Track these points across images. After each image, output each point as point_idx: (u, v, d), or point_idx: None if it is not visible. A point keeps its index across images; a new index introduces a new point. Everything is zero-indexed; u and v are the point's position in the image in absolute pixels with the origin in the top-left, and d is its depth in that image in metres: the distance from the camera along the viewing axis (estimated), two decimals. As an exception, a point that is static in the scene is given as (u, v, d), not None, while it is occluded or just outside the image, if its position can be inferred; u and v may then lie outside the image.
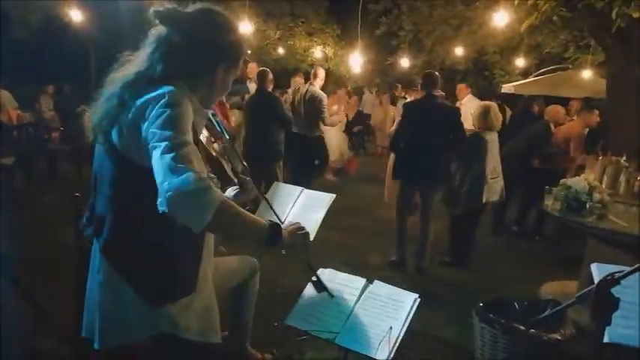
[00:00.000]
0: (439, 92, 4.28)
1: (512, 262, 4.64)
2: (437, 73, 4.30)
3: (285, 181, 4.46)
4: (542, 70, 9.92)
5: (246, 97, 6.30)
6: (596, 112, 5.29)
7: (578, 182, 3.46)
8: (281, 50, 11.29)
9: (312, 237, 2.82)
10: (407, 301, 2.04)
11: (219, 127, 1.74)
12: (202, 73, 1.42)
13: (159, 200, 1.18)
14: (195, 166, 1.19)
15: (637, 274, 1.36)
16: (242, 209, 1.33)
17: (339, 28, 11.61)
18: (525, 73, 10.23)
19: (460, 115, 4.24)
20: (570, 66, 8.64)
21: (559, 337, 2.40)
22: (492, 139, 4.29)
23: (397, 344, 1.89)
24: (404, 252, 4.28)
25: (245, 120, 5.55)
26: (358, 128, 10.10)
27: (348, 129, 8.89)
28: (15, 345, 2.47)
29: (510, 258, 4.77)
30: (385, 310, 2.03)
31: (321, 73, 6.06)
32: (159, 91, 1.29)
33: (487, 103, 4.51)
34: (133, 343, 1.39)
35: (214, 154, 1.70)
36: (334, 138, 7.54)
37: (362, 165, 8.84)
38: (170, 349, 1.42)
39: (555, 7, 4.85)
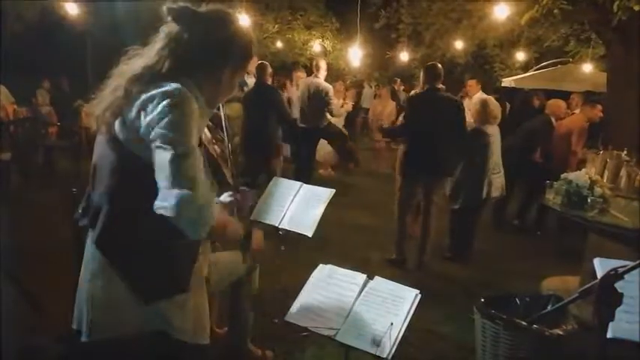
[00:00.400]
0: (441, 85, 4.24)
1: (514, 257, 4.63)
2: (439, 65, 4.20)
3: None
4: (542, 64, 9.88)
5: (245, 89, 6.27)
6: (599, 106, 5.25)
7: (579, 176, 3.45)
8: (279, 44, 11.22)
9: (311, 232, 2.83)
10: (408, 297, 2.02)
11: (224, 125, 1.75)
12: (209, 71, 1.44)
13: (159, 204, 1.22)
14: (199, 178, 1.26)
15: (639, 268, 1.35)
16: (229, 221, 1.49)
17: (338, 21, 11.54)
18: (525, 67, 10.19)
19: (463, 108, 4.19)
20: (571, 59, 8.61)
21: (561, 333, 2.39)
22: (494, 132, 4.27)
23: (398, 340, 1.88)
24: (404, 250, 4.22)
25: (244, 113, 5.49)
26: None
27: (348, 123, 8.85)
28: (12, 342, 2.46)
29: (511, 253, 4.75)
30: (386, 306, 2.02)
31: (324, 64, 6.03)
32: (166, 87, 1.30)
33: (484, 96, 4.51)
34: (121, 338, 1.38)
35: (215, 155, 1.69)
36: None
37: (362, 159, 8.81)
38: (160, 346, 1.40)
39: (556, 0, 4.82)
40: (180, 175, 1.22)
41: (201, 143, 1.39)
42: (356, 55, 7.91)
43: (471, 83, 6.92)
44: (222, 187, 1.96)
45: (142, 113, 1.29)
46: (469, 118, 4.37)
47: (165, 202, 1.21)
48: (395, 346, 1.87)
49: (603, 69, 7.08)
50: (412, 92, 6.96)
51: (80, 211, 1.50)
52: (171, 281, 1.40)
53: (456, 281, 3.98)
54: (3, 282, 2.71)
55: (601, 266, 1.56)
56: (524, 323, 2.37)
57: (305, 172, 6.07)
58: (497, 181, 4.34)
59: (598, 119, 5.25)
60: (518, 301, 2.73)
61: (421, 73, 4.23)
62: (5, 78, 7.00)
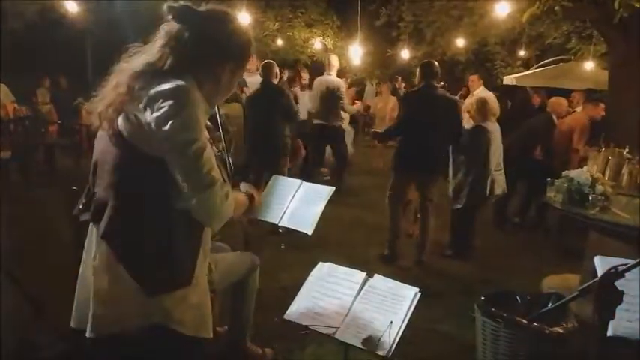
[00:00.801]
0: (438, 83, 4.23)
1: (514, 254, 4.62)
2: (437, 63, 4.21)
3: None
4: (544, 62, 9.85)
5: (245, 89, 6.29)
6: (602, 104, 5.24)
7: (580, 174, 3.43)
8: (280, 42, 11.19)
9: (311, 230, 2.83)
10: (407, 295, 2.02)
11: (220, 126, 1.76)
12: (209, 70, 1.46)
13: (182, 204, 1.35)
14: (216, 171, 1.38)
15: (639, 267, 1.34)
16: (238, 200, 1.62)
17: (338, 19, 11.49)
18: (527, 65, 10.16)
19: (460, 107, 4.19)
20: (572, 57, 8.58)
21: (561, 331, 2.38)
22: (494, 129, 4.26)
23: (398, 339, 1.88)
24: (395, 247, 4.21)
25: (249, 114, 5.43)
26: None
27: (352, 122, 8.82)
28: (13, 341, 2.46)
29: (512, 251, 4.74)
30: (385, 304, 2.01)
31: (335, 61, 6.09)
32: (171, 85, 1.33)
33: (483, 94, 4.53)
34: (124, 332, 1.38)
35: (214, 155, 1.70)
36: None
37: (362, 157, 8.81)
38: (161, 340, 1.41)
39: (557, -4, 4.79)
40: (199, 173, 1.33)
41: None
42: (357, 52, 7.89)
43: (473, 78, 6.90)
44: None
45: (148, 109, 1.32)
46: (467, 116, 4.37)
47: (187, 201, 1.34)
48: (395, 345, 1.87)
49: (605, 67, 7.05)
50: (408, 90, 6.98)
51: (81, 206, 1.51)
52: (174, 274, 1.41)
53: (456, 279, 3.98)
54: (3, 281, 2.72)
55: (601, 264, 1.56)
56: (524, 321, 2.37)
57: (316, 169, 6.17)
58: (499, 178, 4.34)
59: (600, 117, 5.23)
60: (518, 299, 2.72)
61: (417, 71, 4.23)
62: (5, 76, 7.00)
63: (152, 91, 1.33)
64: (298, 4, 11.22)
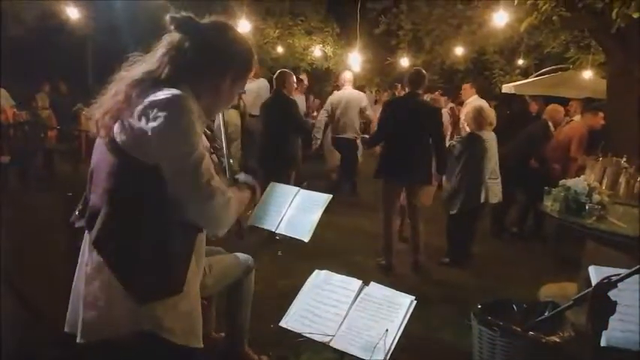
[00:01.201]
0: (421, 91, 4.27)
1: (512, 263, 4.62)
2: (424, 71, 4.27)
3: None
4: (542, 70, 9.88)
5: (242, 96, 6.35)
6: (601, 114, 5.26)
7: (577, 183, 3.44)
8: (280, 49, 11.24)
9: (308, 238, 2.83)
10: (403, 303, 2.01)
11: (223, 134, 1.77)
12: (209, 81, 1.47)
13: (187, 218, 1.37)
14: (216, 180, 1.37)
15: (634, 276, 1.34)
16: (240, 200, 1.60)
17: (338, 27, 11.55)
18: (525, 73, 10.20)
19: (441, 115, 4.25)
20: (571, 66, 8.62)
21: (557, 340, 2.38)
22: (490, 138, 4.29)
23: (393, 347, 1.87)
24: (391, 256, 4.20)
25: (261, 123, 5.41)
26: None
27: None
28: (10, 347, 2.45)
29: (509, 259, 4.74)
30: (381, 312, 2.01)
31: (350, 75, 6.30)
32: (166, 94, 1.33)
33: (478, 103, 4.58)
34: (114, 339, 1.38)
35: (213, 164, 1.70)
36: None
37: (364, 164, 8.81)
38: (151, 348, 1.40)
39: (555, 7, 4.82)
40: (199, 184, 1.33)
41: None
42: (356, 60, 7.93)
43: (465, 87, 6.92)
44: None
45: (144, 118, 1.32)
46: (464, 124, 4.40)
47: (190, 215, 1.36)
48: (390, 353, 1.86)
49: (603, 76, 7.08)
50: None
51: (77, 213, 1.51)
52: (165, 282, 1.41)
53: (453, 287, 3.97)
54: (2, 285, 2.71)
55: (595, 274, 1.56)
56: (520, 330, 2.36)
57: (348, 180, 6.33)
58: (495, 187, 4.35)
59: (600, 126, 5.25)
60: (515, 308, 2.72)
61: (405, 79, 4.30)
62: (5, 81, 7.02)
63: (147, 100, 1.33)
64: (298, 11, 11.29)
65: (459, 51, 8.39)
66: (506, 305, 2.73)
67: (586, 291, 1.32)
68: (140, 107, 1.33)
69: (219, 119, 1.90)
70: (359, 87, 12.57)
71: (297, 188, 3.17)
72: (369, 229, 5.29)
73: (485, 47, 8.65)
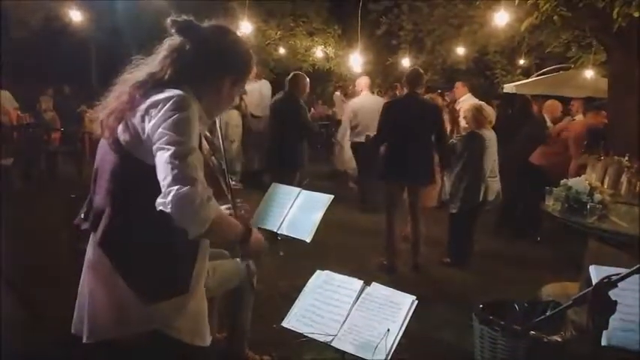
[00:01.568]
0: (421, 90, 4.28)
1: (513, 263, 4.61)
2: (421, 70, 4.29)
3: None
4: (544, 70, 9.87)
5: (244, 97, 6.39)
6: (603, 113, 5.26)
7: (578, 183, 3.44)
8: (282, 50, 11.26)
9: (309, 238, 2.84)
10: (404, 303, 2.02)
11: (221, 136, 1.77)
12: (210, 82, 1.50)
13: (160, 200, 1.27)
14: (199, 177, 1.31)
15: (636, 276, 1.34)
16: (228, 217, 1.55)
17: (340, 28, 11.56)
18: (527, 73, 10.19)
19: (442, 112, 4.25)
20: (572, 65, 8.60)
21: (559, 339, 2.38)
22: (490, 137, 4.31)
23: (394, 347, 1.88)
24: (394, 257, 4.20)
25: (269, 124, 5.50)
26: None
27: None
28: (13, 347, 2.46)
29: (511, 259, 4.74)
30: (382, 312, 2.02)
31: (367, 81, 6.43)
32: (168, 94, 1.36)
33: (476, 103, 4.60)
34: (120, 339, 1.40)
35: (211, 165, 1.71)
36: None
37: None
38: (157, 347, 1.42)
39: (555, 6, 4.81)
40: (179, 173, 1.28)
41: (201, 150, 1.42)
42: (357, 61, 7.93)
43: (457, 85, 6.91)
44: (218, 199, 1.98)
45: (146, 118, 1.35)
46: (463, 123, 4.41)
47: (164, 198, 1.27)
48: (391, 353, 1.87)
49: (605, 75, 7.06)
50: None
51: (82, 216, 1.53)
52: (171, 282, 1.43)
53: (454, 287, 3.98)
54: (3, 287, 2.73)
55: (596, 273, 1.56)
56: (520, 328, 2.37)
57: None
58: (493, 185, 4.37)
59: (602, 125, 5.25)
60: (517, 307, 2.72)
61: (404, 79, 4.31)
62: (9, 83, 7.06)
63: (149, 101, 1.36)
64: (300, 13, 11.31)
65: (460, 51, 8.38)
66: (508, 305, 2.74)
67: (586, 290, 1.32)
68: (143, 107, 1.36)
69: (220, 119, 1.91)
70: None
71: (299, 189, 3.18)
72: (371, 229, 5.30)
73: (487, 47, 8.64)
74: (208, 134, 1.71)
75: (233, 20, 7.54)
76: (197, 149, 1.36)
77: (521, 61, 9.69)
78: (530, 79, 9.53)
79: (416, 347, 2.87)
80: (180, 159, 1.29)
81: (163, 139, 1.30)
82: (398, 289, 2.09)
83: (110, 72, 1.56)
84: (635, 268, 1.29)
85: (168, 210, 1.25)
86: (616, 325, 1.39)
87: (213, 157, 1.71)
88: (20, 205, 5.31)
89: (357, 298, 2.09)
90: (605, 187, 3.83)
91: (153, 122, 1.33)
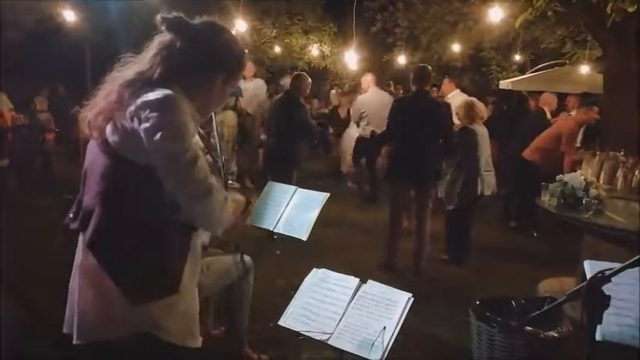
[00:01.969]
0: (430, 87, 4.26)
1: (511, 258, 4.63)
2: (429, 67, 4.21)
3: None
4: (539, 66, 9.88)
5: (240, 99, 6.40)
6: (595, 108, 5.27)
7: (574, 178, 3.45)
8: (278, 48, 11.25)
9: (306, 236, 2.83)
10: (400, 300, 2.02)
11: (216, 134, 1.76)
12: (200, 80, 1.47)
13: (184, 217, 1.37)
14: (212, 180, 1.38)
15: (629, 270, 1.35)
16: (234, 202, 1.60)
17: (335, 25, 11.56)
18: (522, 69, 10.20)
19: (451, 111, 4.21)
20: (567, 61, 8.62)
21: (556, 335, 2.39)
22: (482, 132, 4.33)
23: (391, 344, 1.88)
24: (395, 256, 4.17)
25: (269, 121, 5.56)
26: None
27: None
28: (9, 349, 2.46)
29: (509, 254, 4.75)
30: (379, 309, 2.02)
31: (372, 77, 6.46)
32: (157, 94, 1.33)
33: (468, 98, 4.63)
34: (110, 340, 1.39)
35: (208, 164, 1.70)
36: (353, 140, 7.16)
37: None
38: (148, 349, 1.41)
39: (549, 2, 4.82)
40: (195, 182, 1.33)
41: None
42: (352, 58, 7.93)
43: (445, 82, 6.89)
44: None
45: (136, 119, 1.32)
46: (455, 119, 4.41)
47: (187, 214, 1.36)
48: (388, 350, 1.87)
49: (600, 70, 7.08)
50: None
51: (71, 215, 1.51)
52: (160, 282, 1.41)
53: (451, 283, 3.98)
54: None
55: (590, 268, 1.56)
56: (514, 324, 2.38)
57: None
58: (489, 179, 4.38)
59: (594, 121, 5.26)
60: (513, 304, 2.73)
61: (410, 76, 4.25)
62: (3, 85, 7.02)
63: (139, 101, 1.33)
64: (295, 11, 11.29)
65: (456, 48, 8.39)
66: (505, 301, 2.74)
67: (579, 285, 1.32)
68: (132, 108, 1.33)
69: (216, 119, 1.91)
70: (356, 85, 12.61)
71: (295, 187, 3.18)
72: (369, 227, 5.31)
73: (482, 44, 8.66)
74: (202, 132, 1.69)
75: (228, 19, 7.52)
76: (198, 150, 1.37)
77: (517, 58, 9.70)
78: (525, 76, 9.54)
79: (413, 344, 2.87)
80: (189, 169, 1.32)
81: (166, 151, 1.30)
82: (395, 287, 2.09)
83: (105, 73, 1.52)
84: (628, 262, 1.29)
85: (196, 226, 1.42)
86: (610, 319, 1.39)
87: (208, 155, 1.70)
88: (15, 206, 5.28)
89: (354, 296, 2.09)
90: (601, 182, 3.85)
91: (146, 126, 1.30)
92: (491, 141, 4.62)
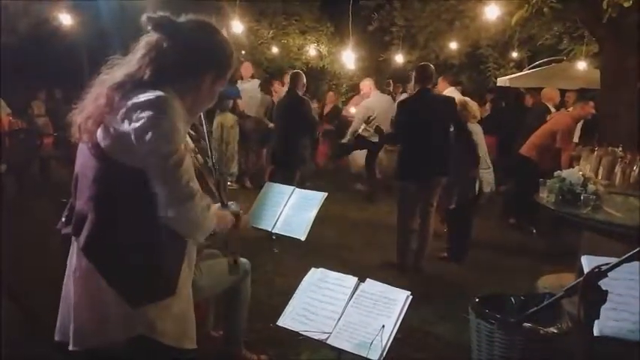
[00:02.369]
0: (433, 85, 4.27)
1: (510, 255, 4.63)
2: (431, 66, 4.18)
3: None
4: (536, 63, 9.88)
5: (239, 101, 6.41)
6: (591, 103, 5.27)
7: (572, 174, 3.45)
8: (275, 49, 11.24)
9: (304, 236, 2.84)
10: (399, 298, 2.02)
11: (206, 135, 1.75)
12: (189, 80, 1.45)
13: (163, 215, 1.33)
14: (195, 182, 1.36)
15: (626, 265, 1.34)
16: (219, 213, 1.60)
17: (332, 25, 11.54)
18: (520, 66, 10.19)
19: (456, 105, 4.20)
20: (565, 57, 8.61)
21: (555, 331, 2.38)
22: (476, 130, 4.34)
23: (389, 343, 1.88)
24: (406, 257, 4.11)
25: (274, 122, 5.65)
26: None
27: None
28: (7, 351, 2.45)
29: (508, 251, 4.75)
30: (377, 308, 2.02)
31: (371, 81, 6.66)
32: (149, 96, 1.32)
33: (461, 98, 4.67)
34: (108, 345, 1.38)
35: (197, 165, 1.69)
36: None
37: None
38: (145, 352, 1.40)
39: (545, -2, 4.82)
40: (178, 184, 1.32)
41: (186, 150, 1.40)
42: (349, 58, 7.93)
43: (439, 80, 6.90)
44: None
45: (127, 121, 1.31)
46: None
47: (166, 213, 1.33)
48: (387, 348, 1.87)
49: (597, 66, 7.07)
50: (404, 96, 7.04)
51: (63, 219, 1.50)
52: (157, 285, 1.41)
53: (451, 281, 3.98)
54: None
55: (588, 263, 1.57)
56: (513, 321, 2.37)
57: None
58: (486, 176, 4.38)
59: (590, 116, 5.26)
60: (513, 300, 2.72)
61: (413, 75, 4.24)
62: (0, 89, 7.02)
63: (130, 103, 1.32)
64: (292, 11, 11.27)
65: (453, 46, 8.38)
66: (504, 298, 2.73)
67: (576, 281, 1.32)
68: (123, 110, 1.32)
69: (216, 121, 1.91)
70: (354, 85, 12.62)
71: (293, 187, 3.19)
72: (369, 226, 5.31)
73: (479, 41, 8.64)
74: (192, 132, 1.68)
75: (224, 20, 7.52)
76: (186, 153, 1.35)
77: (514, 55, 9.69)
78: (523, 72, 9.54)
79: (412, 342, 2.87)
80: (174, 171, 1.31)
81: (154, 151, 1.29)
82: (394, 285, 2.09)
83: (98, 73, 1.51)
84: (624, 257, 1.29)
85: (173, 227, 1.35)
86: (608, 314, 1.39)
87: (198, 156, 1.69)
88: (14, 211, 5.28)
89: (352, 295, 2.09)
90: (600, 177, 3.85)
91: (136, 127, 1.29)
92: (490, 138, 4.63)
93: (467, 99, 4.53)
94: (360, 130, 6.45)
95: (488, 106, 8.79)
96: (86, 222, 1.38)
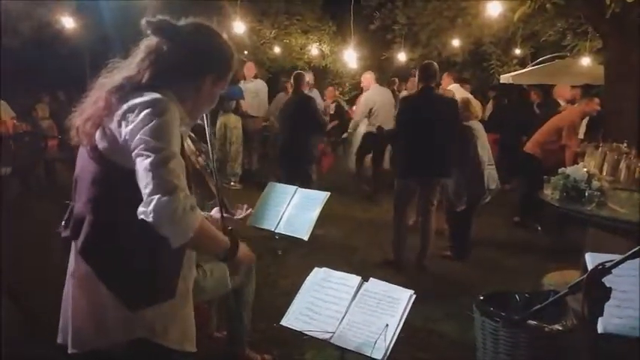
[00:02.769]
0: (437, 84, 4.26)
1: (515, 252, 4.61)
2: (435, 64, 4.17)
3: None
4: (540, 59, 9.83)
5: (242, 102, 6.41)
6: (596, 99, 5.25)
7: (576, 170, 3.43)
8: (277, 49, 11.25)
9: (307, 236, 2.84)
10: (403, 297, 2.02)
11: (208, 137, 1.74)
12: (189, 82, 1.44)
13: (141, 209, 1.24)
14: (180, 184, 1.26)
15: (630, 262, 1.34)
16: (213, 229, 1.44)
17: (334, 24, 11.54)
18: (523, 63, 10.15)
19: (458, 108, 4.19)
20: (568, 54, 8.57)
21: (560, 328, 2.37)
22: (478, 128, 4.32)
23: (393, 342, 1.88)
24: (402, 254, 4.13)
25: (280, 122, 5.64)
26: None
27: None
28: (7, 351, 2.47)
29: (513, 249, 4.73)
30: (381, 307, 2.02)
31: (372, 74, 6.52)
32: (146, 97, 1.31)
33: (464, 96, 4.65)
34: (107, 348, 1.37)
35: (198, 167, 1.69)
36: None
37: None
38: (145, 355, 1.40)
39: (547, -6, 4.80)
40: (160, 180, 1.24)
41: (183, 154, 1.39)
42: (351, 57, 7.93)
43: (444, 76, 6.88)
44: (206, 199, 1.96)
45: (123, 123, 1.31)
46: None
47: (145, 207, 1.23)
48: (390, 347, 1.87)
49: (601, 62, 7.03)
50: (404, 93, 7.01)
51: (63, 223, 1.50)
52: (156, 288, 1.40)
53: (455, 279, 3.97)
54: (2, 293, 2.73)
55: (591, 260, 1.56)
56: (517, 318, 2.36)
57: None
58: (492, 173, 4.37)
59: (596, 112, 5.23)
60: (517, 298, 2.71)
61: (417, 73, 4.23)
62: (4, 93, 7.05)
63: (127, 105, 1.32)
64: (294, 11, 11.28)
65: (456, 43, 8.36)
66: (509, 296, 2.72)
67: (580, 278, 1.31)
68: (120, 112, 1.32)
69: (219, 122, 1.90)
70: (357, 83, 12.60)
71: (295, 187, 3.19)
72: (372, 225, 5.30)
73: (482, 38, 8.62)
74: (193, 135, 1.68)
75: (226, 20, 7.52)
76: (178, 154, 1.31)
77: (517, 51, 9.66)
78: (526, 69, 9.50)
79: (417, 341, 2.87)
80: (160, 166, 1.25)
81: (142, 146, 1.26)
82: (398, 284, 2.09)
83: (98, 76, 1.51)
84: (628, 253, 1.28)
85: (149, 219, 1.22)
86: (612, 311, 1.38)
87: (199, 158, 1.68)
88: (19, 213, 5.31)
89: (355, 295, 2.09)
90: (604, 174, 3.82)
91: (130, 127, 1.29)
92: (492, 136, 4.61)
93: (470, 97, 4.53)
94: (363, 129, 6.46)
95: (491, 103, 8.76)
96: (84, 225, 1.38)
